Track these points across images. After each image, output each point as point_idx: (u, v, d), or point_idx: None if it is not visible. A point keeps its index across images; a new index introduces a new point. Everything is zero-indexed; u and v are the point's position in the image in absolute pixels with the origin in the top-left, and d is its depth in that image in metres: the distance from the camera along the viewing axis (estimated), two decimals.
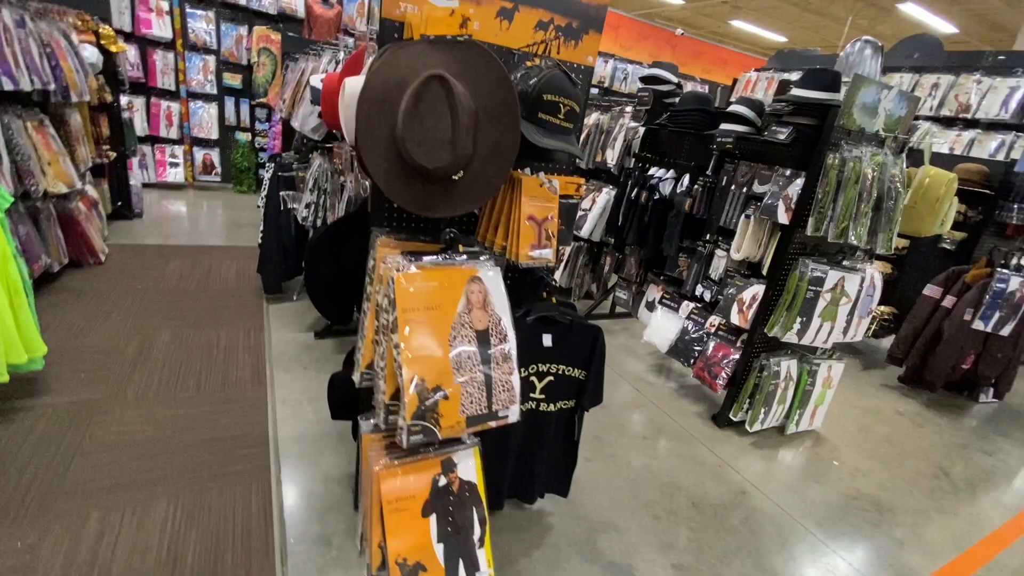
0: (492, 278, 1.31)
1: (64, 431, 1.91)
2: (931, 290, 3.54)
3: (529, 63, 1.29)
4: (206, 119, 5.83)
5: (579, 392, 1.70)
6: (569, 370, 1.66)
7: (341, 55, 2.40)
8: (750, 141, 2.52)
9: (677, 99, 3.15)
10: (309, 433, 2.14)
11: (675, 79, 3.28)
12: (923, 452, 2.83)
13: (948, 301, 3.43)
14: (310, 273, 1.58)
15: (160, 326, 2.78)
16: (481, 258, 1.30)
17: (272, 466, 1.91)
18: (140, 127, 5.43)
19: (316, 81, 2.24)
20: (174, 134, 5.72)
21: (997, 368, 3.44)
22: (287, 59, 4.54)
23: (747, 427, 2.64)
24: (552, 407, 1.67)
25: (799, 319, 2.37)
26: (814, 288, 2.34)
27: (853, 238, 2.18)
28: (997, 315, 3.26)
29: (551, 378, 1.63)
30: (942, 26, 11.75)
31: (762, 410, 2.58)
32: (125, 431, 1.96)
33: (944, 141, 5.01)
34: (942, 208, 2.54)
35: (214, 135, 5.93)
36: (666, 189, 3.13)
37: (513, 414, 1.31)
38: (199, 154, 5.94)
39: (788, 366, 2.60)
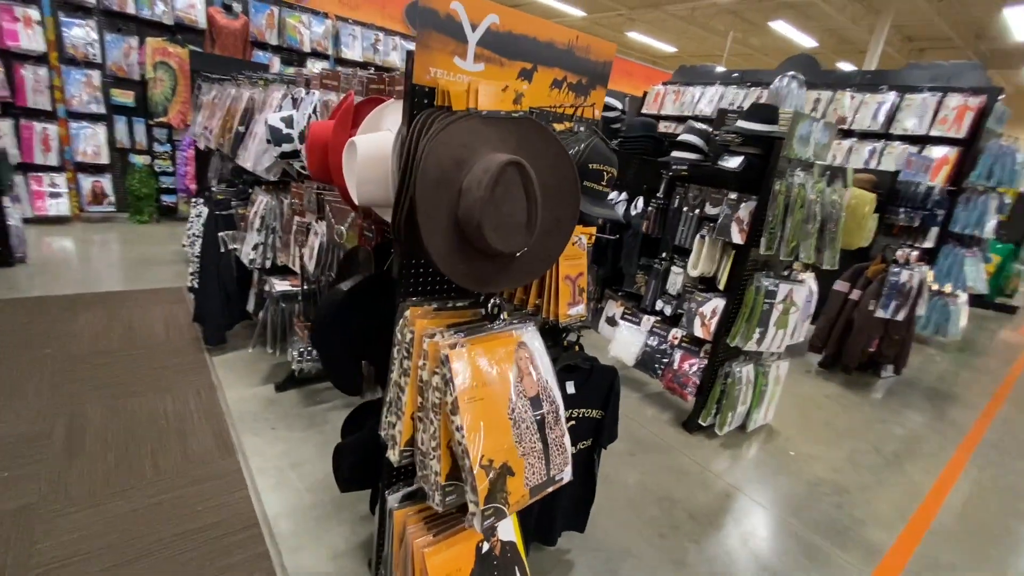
0: (535, 342, 1.30)
1: (1, 553, 1.59)
2: (840, 285, 4.04)
3: (560, 126, 1.30)
4: (92, 142, 5.10)
5: (597, 431, 1.74)
6: (589, 412, 1.69)
7: (308, 94, 2.20)
8: (702, 168, 2.71)
9: (622, 124, 3.31)
10: (301, 504, 1.97)
11: (620, 105, 3.44)
12: (854, 431, 3.23)
13: (855, 295, 3.94)
14: (325, 344, 1.45)
15: (88, 399, 2.40)
16: (521, 322, 1.28)
17: (271, 551, 1.74)
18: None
19: (276, 120, 2.06)
20: (53, 160, 4.93)
21: (896, 348, 4.02)
22: (199, 78, 4.13)
23: (717, 431, 2.84)
24: (573, 449, 1.69)
25: (758, 329, 2.60)
26: (769, 300, 2.58)
27: (803, 256, 2.44)
28: (894, 303, 3.80)
29: (573, 422, 1.65)
30: (804, 40, 13.44)
31: (729, 414, 2.80)
32: (81, 540, 1.67)
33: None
34: (867, 224, 2.93)
35: (104, 159, 5.21)
36: (620, 211, 3.28)
37: (567, 475, 1.31)
38: (86, 182, 5.19)
39: (747, 371, 2.84)
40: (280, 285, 2.60)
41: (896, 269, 3.76)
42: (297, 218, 2.41)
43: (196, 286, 3.22)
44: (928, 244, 4.53)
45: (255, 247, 2.69)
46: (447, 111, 1.06)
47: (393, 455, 1.32)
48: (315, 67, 6.11)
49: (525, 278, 1.14)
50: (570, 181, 1.06)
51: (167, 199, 5.59)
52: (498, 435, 1.15)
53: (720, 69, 7.41)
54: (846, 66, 15.32)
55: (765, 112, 2.46)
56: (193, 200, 3.26)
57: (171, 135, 5.40)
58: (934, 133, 5.12)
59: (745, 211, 2.56)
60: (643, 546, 2.01)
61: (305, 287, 2.55)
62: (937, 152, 5.16)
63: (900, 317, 3.83)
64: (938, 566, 2.16)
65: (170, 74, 5.11)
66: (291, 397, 2.67)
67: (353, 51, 6.32)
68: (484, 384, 1.16)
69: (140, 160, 5.35)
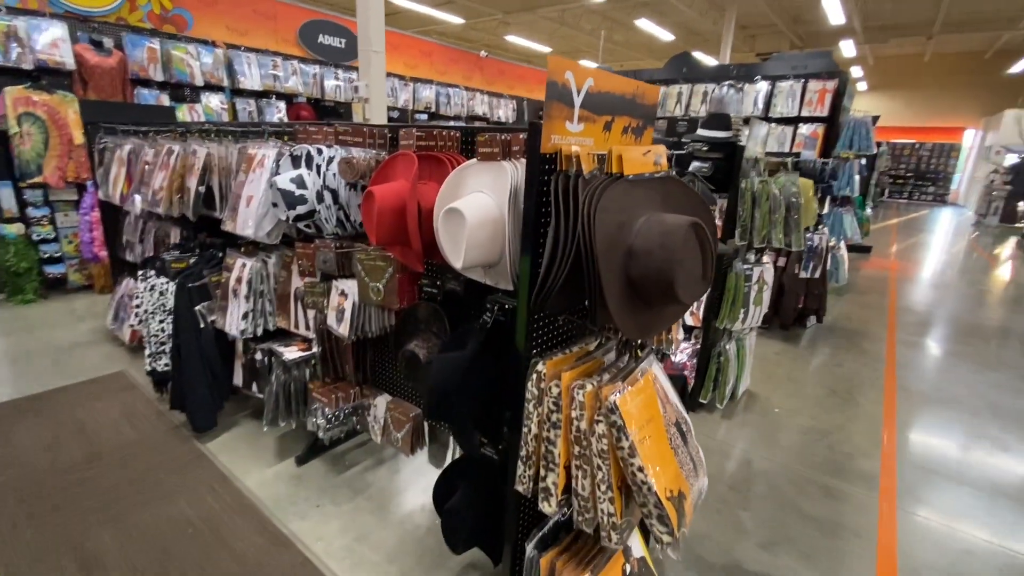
0: (660, 371, 1.41)
1: None
2: (768, 256, 4.64)
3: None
4: None
5: None
6: None
7: (328, 148, 2.03)
8: (681, 175, 2.98)
9: None
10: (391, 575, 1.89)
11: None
12: (810, 379, 3.77)
13: (781, 262, 4.55)
14: (449, 414, 1.42)
15: (85, 524, 2.05)
16: (648, 355, 1.39)
17: None
18: None
19: (286, 183, 1.91)
20: None
21: (817, 301, 4.72)
22: (100, 132, 3.61)
23: (718, 404, 3.17)
24: None
25: (742, 310, 2.95)
26: (747, 283, 2.93)
27: (775, 241, 2.81)
28: (811, 264, 4.47)
29: None
30: (663, 34, 14.83)
31: (726, 388, 3.13)
32: None
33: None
34: (811, 206, 3.42)
35: None
36: None
37: (706, 483, 1.44)
38: None
39: (731, 347, 3.19)
40: (289, 352, 2.41)
41: (809, 235, 4.41)
42: (307, 279, 2.26)
43: (163, 369, 2.85)
44: (825, 210, 5.34)
45: (245, 316, 2.46)
46: (605, 177, 1.12)
47: (549, 506, 1.36)
48: (211, 101, 5.57)
49: (672, 321, 1.24)
50: (712, 229, 1.18)
51: (52, 270, 4.78)
52: (669, 466, 1.25)
53: (615, 69, 7.97)
54: (700, 56, 17.18)
55: (721, 120, 2.78)
56: (141, 273, 2.86)
57: (48, 196, 4.61)
58: (804, 113, 6.02)
59: (716, 209, 2.87)
60: (707, 525, 2.22)
61: (318, 349, 2.39)
62: (806, 129, 6.09)
63: (818, 274, 4.51)
64: (921, 468, 2.64)
65: (39, 126, 4.35)
66: (317, 468, 2.50)
67: (251, 80, 5.84)
68: (648, 421, 1.25)
69: (12, 230, 4.50)
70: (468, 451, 1.44)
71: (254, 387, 2.69)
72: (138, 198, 2.94)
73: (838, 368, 3.99)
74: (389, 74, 7.61)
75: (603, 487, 1.27)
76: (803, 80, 6.05)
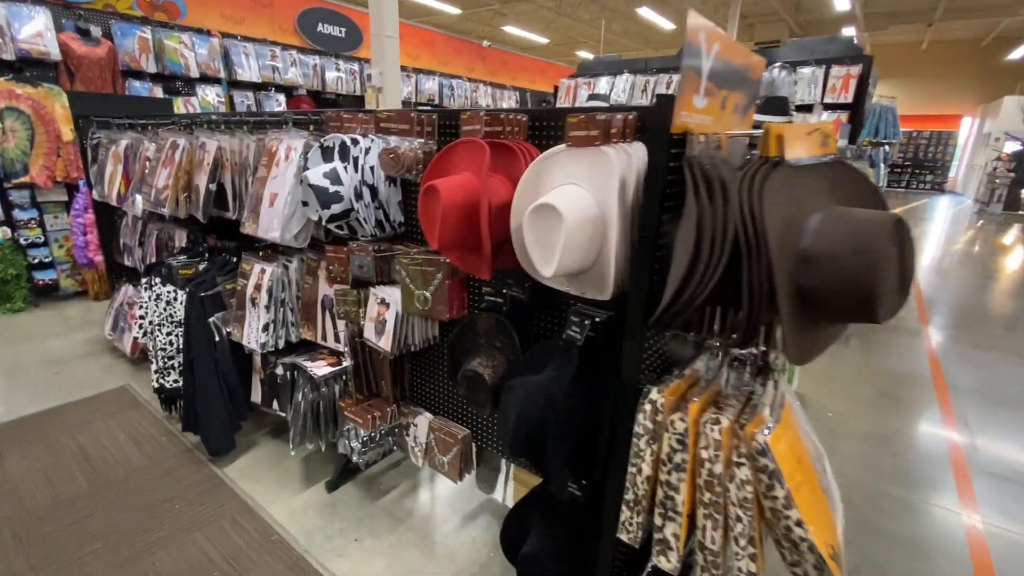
0: (794, 398, 1.19)
1: None
2: None
3: None
4: None
5: None
6: None
7: (364, 139, 1.75)
8: None
9: None
10: None
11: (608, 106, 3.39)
12: (854, 378, 3.58)
13: None
14: (538, 453, 1.19)
15: (95, 569, 1.81)
16: (782, 378, 1.16)
17: None
18: None
19: (319, 178, 1.66)
20: None
21: None
22: (91, 126, 3.32)
23: None
24: None
25: None
26: None
27: None
28: None
29: None
30: (664, 23, 14.58)
31: None
32: None
33: None
34: None
35: None
36: None
37: (842, 518, 1.23)
38: None
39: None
40: (317, 367, 2.16)
41: None
42: (337, 286, 2.02)
43: (172, 386, 2.60)
44: None
45: (265, 328, 2.21)
46: (761, 163, 0.89)
47: (667, 561, 1.14)
48: (207, 94, 5.26)
49: (834, 340, 1.02)
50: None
51: (42, 276, 4.48)
52: (825, 516, 1.03)
53: (624, 58, 7.73)
54: None
55: (779, 104, 2.56)
56: (145, 281, 2.59)
57: (35, 197, 4.31)
58: (827, 100, 5.81)
59: None
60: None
61: (349, 363, 2.15)
62: (827, 116, 5.88)
63: None
64: (996, 476, 2.45)
65: (23, 122, 4.04)
66: (350, 494, 2.26)
67: (249, 71, 5.54)
68: (799, 463, 1.03)
69: None
70: (559, 494, 1.21)
71: (275, 405, 2.44)
72: (139, 198, 2.67)
73: (881, 366, 3.80)
74: None
75: (742, 542, 1.05)
76: (825, 65, 5.84)
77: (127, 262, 3.48)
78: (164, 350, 2.58)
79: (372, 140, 1.76)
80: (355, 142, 1.72)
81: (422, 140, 1.63)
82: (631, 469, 1.17)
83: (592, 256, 1.17)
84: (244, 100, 5.57)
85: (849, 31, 14.38)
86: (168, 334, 2.57)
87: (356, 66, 6.76)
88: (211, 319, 2.30)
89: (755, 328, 0.89)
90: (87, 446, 2.52)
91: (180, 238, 2.89)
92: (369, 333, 1.91)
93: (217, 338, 2.31)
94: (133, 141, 2.92)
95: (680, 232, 0.94)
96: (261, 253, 2.30)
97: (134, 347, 3.30)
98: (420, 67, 7.95)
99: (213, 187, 2.29)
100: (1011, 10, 14.09)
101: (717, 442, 1.03)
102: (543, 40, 17.58)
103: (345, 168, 1.73)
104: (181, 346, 2.49)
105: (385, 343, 1.84)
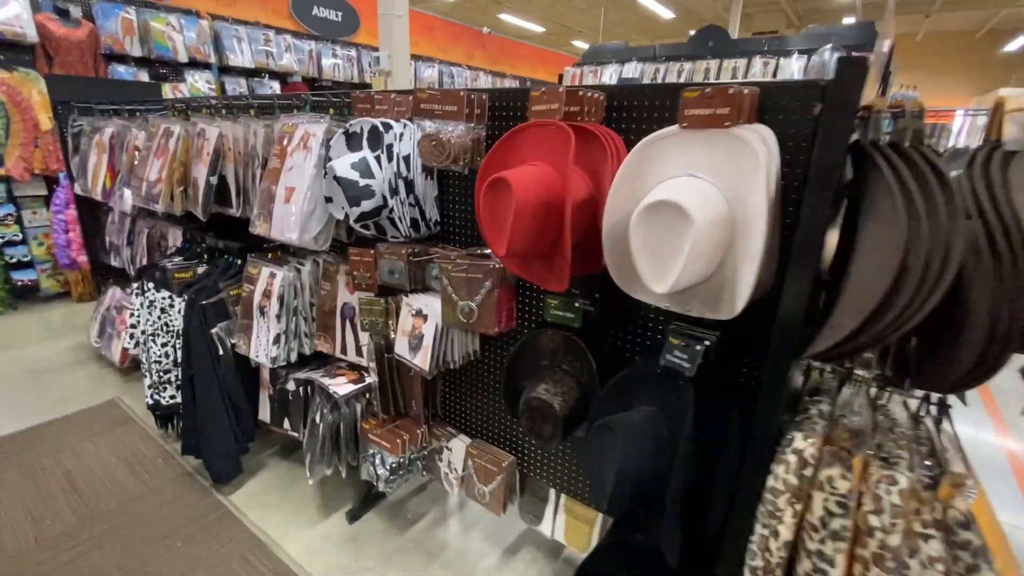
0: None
1: None
2: None
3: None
4: None
5: None
6: None
7: (399, 124, 1.48)
8: None
9: None
10: None
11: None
12: None
13: None
14: (665, 515, 0.96)
15: None
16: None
17: None
18: None
19: (346, 169, 1.40)
20: None
21: None
22: (72, 112, 3.01)
23: None
24: None
25: None
26: None
27: None
28: None
29: None
30: (664, 12, 14.29)
31: None
32: None
33: None
34: None
35: None
36: None
37: None
38: None
39: None
40: (338, 385, 1.91)
41: None
42: (361, 293, 1.77)
43: (168, 402, 2.33)
44: None
45: (276, 339, 1.95)
46: (991, 146, 0.66)
47: None
48: (197, 80, 4.93)
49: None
50: None
51: (21, 276, 4.15)
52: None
53: (630, 44, 7.47)
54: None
55: None
56: (137, 286, 2.31)
57: (12, 191, 3.97)
58: None
59: None
60: None
61: (373, 380, 1.90)
62: None
63: None
64: None
65: None
66: (373, 525, 2.02)
67: (242, 56, 5.20)
68: (992, 531, 0.81)
69: None
70: (671, 558, 0.99)
71: (286, 424, 2.19)
72: (128, 193, 2.38)
73: None
74: None
75: None
76: (843, 52, 5.63)
77: (114, 262, 3.18)
78: (159, 363, 2.31)
79: (405, 125, 1.50)
80: (387, 127, 1.47)
81: (470, 124, 1.38)
82: (762, 531, 0.94)
83: (712, 267, 0.94)
84: (236, 87, 5.24)
85: (850, 22, 14.20)
86: (164, 345, 2.30)
87: (353, 52, 6.43)
88: (213, 330, 2.03)
89: (987, 371, 0.66)
90: (74, 472, 2.25)
91: (174, 237, 2.61)
92: (401, 348, 1.67)
93: (221, 352, 2.05)
94: (120, 129, 2.63)
95: (869, 241, 0.71)
96: (270, 255, 2.04)
97: (123, 356, 3.01)
98: (419, 53, 7.62)
99: (214, 180, 2.02)
100: (1009, 0, 14.03)
101: (895, 507, 0.80)
102: (539, 29, 17.24)
103: (377, 158, 1.47)
104: (178, 359, 2.23)
105: (421, 361, 1.59)
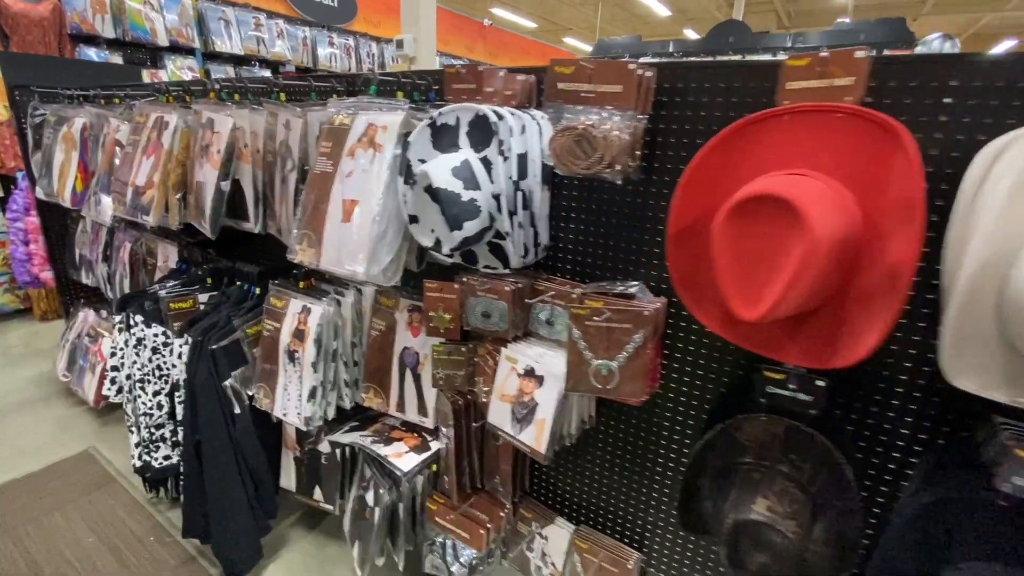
0: None
1: None
2: None
3: None
4: None
5: None
6: None
7: (523, 112, 1.03)
8: None
9: None
10: None
11: None
12: None
13: None
14: None
15: None
16: None
17: None
18: None
19: (446, 178, 0.96)
20: None
21: None
22: (33, 100, 2.49)
23: None
24: None
25: None
26: None
27: None
28: None
29: None
30: (660, 9, 14.00)
31: None
32: None
33: None
34: None
35: None
36: None
37: None
38: None
39: None
40: (399, 456, 1.46)
41: None
42: (432, 338, 1.33)
43: (161, 464, 1.85)
44: None
45: (312, 394, 1.50)
46: None
47: None
48: (178, 66, 4.37)
49: None
50: None
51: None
52: None
53: (643, 39, 7.13)
54: (691, 34, 16.49)
55: None
56: (120, 319, 1.80)
57: None
58: None
59: None
60: None
61: (443, 446, 1.46)
62: None
63: None
64: None
65: None
66: None
67: (230, 42, 4.64)
68: None
69: None
70: None
71: (317, 494, 1.74)
72: (107, 200, 1.89)
73: None
74: (388, 40, 6.48)
75: None
76: (876, 50, 5.37)
77: (86, 279, 2.65)
78: (150, 415, 1.83)
79: (515, 115, 1.07)
80: (499, 117, 1.03)
81: (635, 113, 0.95)
82: None
83: None
84: (223, 75, 4.69)
85: (843, 22, 14.16)
86: (156, 394, 1.81)
87: (351, 40, 5.90)
88: (227, 382, 1.56)
89: None
90: (40, 558, 1.74)
91: (165, 254, 2.12)
92: (500, 419, 1.23)
93: (237, 410, 1.58)
94: (94, 119, 2.12)
95: None
96: (301, 283, 1.58)
97: (98, 396, 2.49)
98: None
99: (226, 186, 1.55)
100: (996, 5, 14.18)
101: None
102: (530, 24, 16.85)
103: (484, 161, 1.04)
104: (174, 410, 1.75)
105: (533, 439, 1.16)
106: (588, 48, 18.94)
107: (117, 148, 1.90)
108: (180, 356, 1.65)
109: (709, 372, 1.12)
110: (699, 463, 0.98)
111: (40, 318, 3.71)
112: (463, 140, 1.08)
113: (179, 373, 1.64)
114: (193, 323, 1.64)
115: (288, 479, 1.80)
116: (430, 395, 1.49)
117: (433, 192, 0.99)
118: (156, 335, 1.78)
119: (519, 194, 1.05)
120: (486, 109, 1.03)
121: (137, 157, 1.75)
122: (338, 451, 1.63)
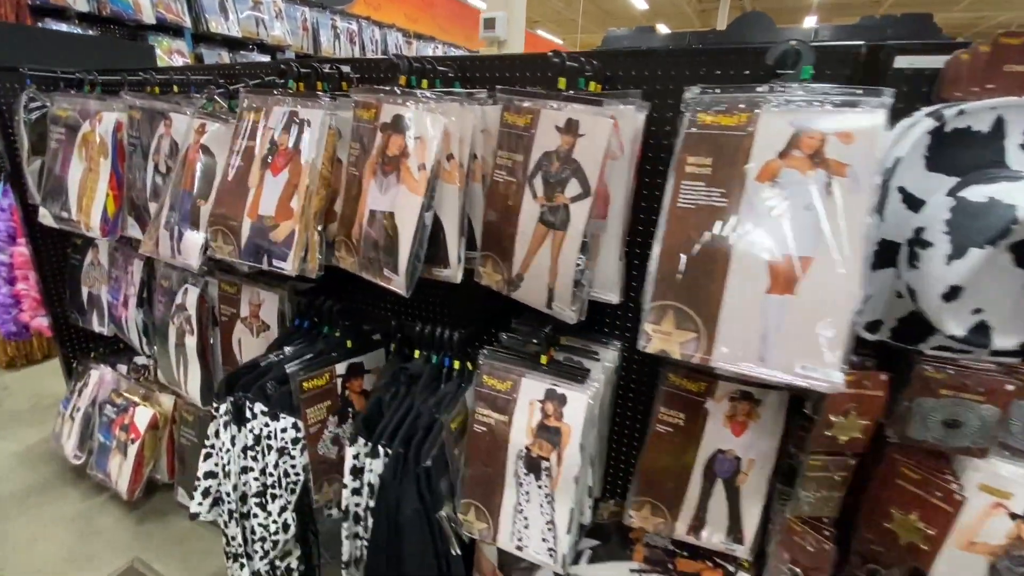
0: None
1: None
2: None
3: None
4: None
5: None
6: None
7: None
8: None
9: None
10: None
11: None
12: None
13: None
14: None
15: None
16: None
17: None
18: None
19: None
20: None
21: None
22: (27, 88, 1.82)
23: None
24: None
25: None
26: None
27: None
28: None
29: None
30: (639, 2, 13.80)
31: None
32: None
33: None
34: None
35: None
36: None
37: None
38: None
39: None
40: None
41: None
42: (811, 452, 0.88)
43: None
44: None
45: (570, 521, 1.01)
46: None
47: None
48: (164, 48, 3.61)
49: None
50: None
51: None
52: None
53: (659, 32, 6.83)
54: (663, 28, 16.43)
55: None
56: (228, 408, 1.22)
57: None
58: None
59: None
60: None
61: None
62: None
63: None
64: None
65: None
66: None
67: (226, 23, 3.90)
68: None
69: None
70: None
71: None
72: (194, 237, 1.30)
73: None
74: (389, 26, 5.82)
75: None
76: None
77: (98, 327, 2.00)
78: (274, 541, 1.27)
79: None
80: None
81: None
82: None
83: None
84: (216, 61, 3.94)
85: (812, 21, 14.50)
86: (283, 510, 1.26)
87: (354, 25, 5.21)
88: (442, 512, 1.05)
89: None
90: None
91: (255, 302, 1.53)
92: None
93: (453, 551, 1.07)
94: (143, 114, 1.50)
95: None
96: (544, 357, 1.08)
97: (134, 485, 1.86)
98: (421, 32, 6.47)
99: (429, 219, 1.03)
100: (945, 6, 14.94)
101: None
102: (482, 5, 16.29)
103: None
104: (300, 530, 1.21)
105: None
106: (559, 41, 18.55)
107: (202, 157, 1.31)
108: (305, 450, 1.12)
109: None
110: None
111: (6, 366, 2.92)
112: (1016, 155, 0.64)
113: (350, 498, 1.11)
114: (370, 421, 1.10)
115: None
116: (751, 515, 1.04)
117: None
118: (285, 429, 1.23)
119: None
120: None
121: (255, 173, 1.18)
122: None
